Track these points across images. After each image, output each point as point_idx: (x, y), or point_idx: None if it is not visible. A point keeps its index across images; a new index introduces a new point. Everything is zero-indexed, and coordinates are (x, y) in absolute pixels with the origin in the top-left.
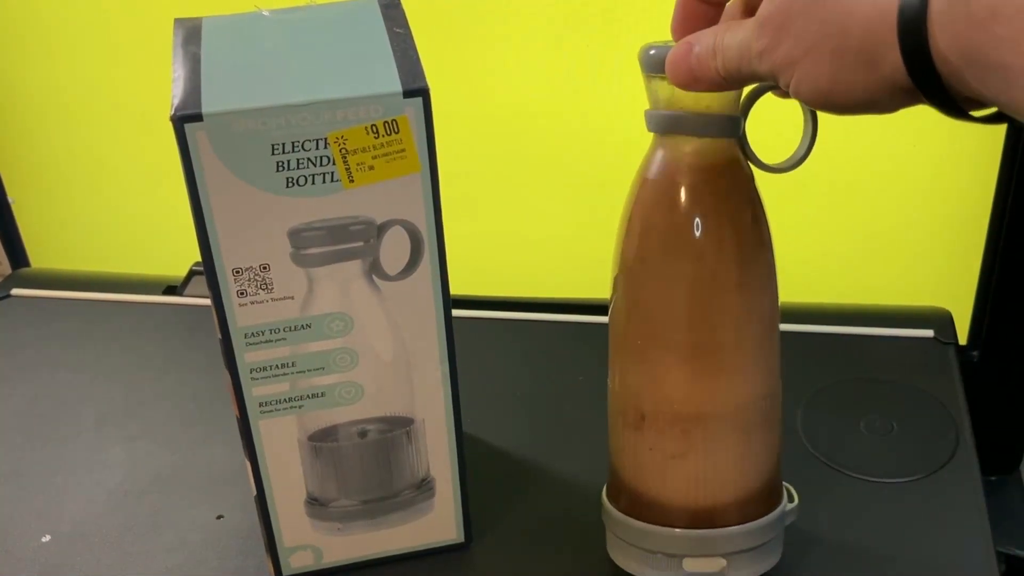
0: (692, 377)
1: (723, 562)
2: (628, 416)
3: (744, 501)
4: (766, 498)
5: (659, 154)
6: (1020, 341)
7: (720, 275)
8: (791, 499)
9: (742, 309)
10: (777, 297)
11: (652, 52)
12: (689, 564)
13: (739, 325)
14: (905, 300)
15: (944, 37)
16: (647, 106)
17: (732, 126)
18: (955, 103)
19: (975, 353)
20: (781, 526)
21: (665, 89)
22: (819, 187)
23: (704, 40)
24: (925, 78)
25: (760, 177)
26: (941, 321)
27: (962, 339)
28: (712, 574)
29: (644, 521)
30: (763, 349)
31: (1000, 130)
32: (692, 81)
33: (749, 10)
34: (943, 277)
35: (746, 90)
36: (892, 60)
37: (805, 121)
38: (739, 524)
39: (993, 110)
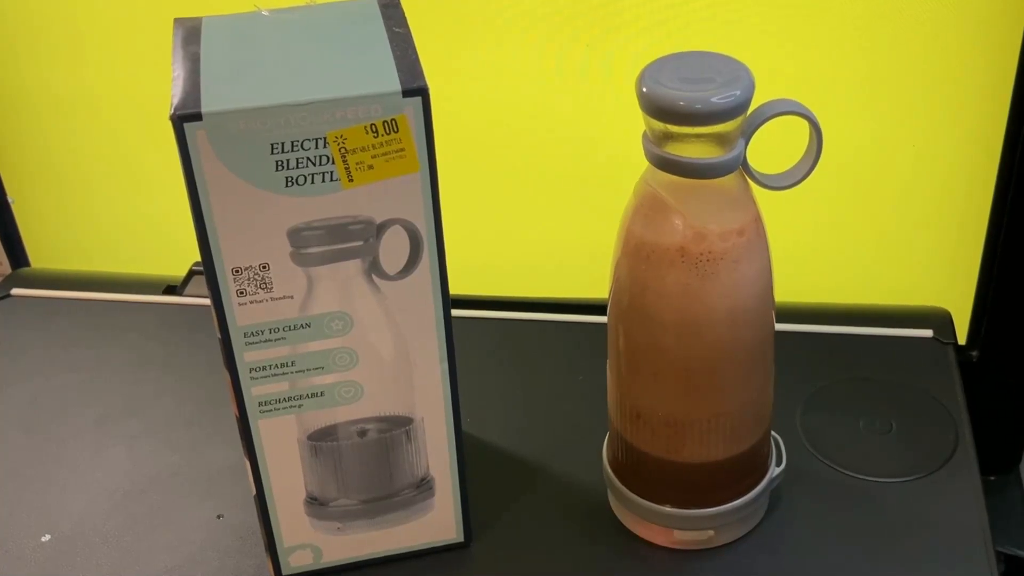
0: (683, 393)
1: (711, 533)
2: (624, 409)
3: (734, 482)
4: (755, 473)
5: (653, 176)
6: (1020, 341)
7: (711, 304)
8: (779, 461)
9: (734, 338)
10: (773, 316)
11: (644, 90)
12: (679, 535)
13: (732, 350)
14: (905, 300)
15: None
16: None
17: (730, 165)
18: None
19: (974, 353)
20: (767, 492)
21: (657, 129)
22: (817, 186)
23: None
24: None
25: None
26: (940, 321)
27: (961, 339)
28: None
29: (637, 494)
30: (756, 364)
31: (1001, 129)
32: None
33: None
34: (943, 277)
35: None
36: None
37: (810, 136)
38: (729, 501)
39: None
